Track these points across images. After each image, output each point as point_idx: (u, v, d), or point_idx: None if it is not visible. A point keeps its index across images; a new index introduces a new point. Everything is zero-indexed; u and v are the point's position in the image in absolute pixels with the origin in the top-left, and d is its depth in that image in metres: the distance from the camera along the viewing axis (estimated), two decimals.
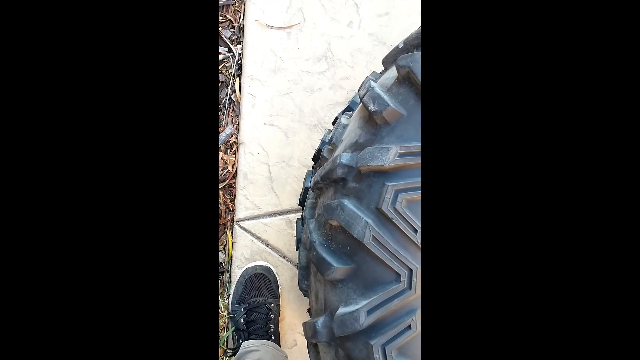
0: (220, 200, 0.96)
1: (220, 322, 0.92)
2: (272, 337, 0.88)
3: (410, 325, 0.42)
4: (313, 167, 0.78)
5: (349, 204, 0.43)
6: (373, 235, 0.41)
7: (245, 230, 0.95)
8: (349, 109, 0.76)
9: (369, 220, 0.42)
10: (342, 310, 0.43)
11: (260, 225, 0.95)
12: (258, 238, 0.95)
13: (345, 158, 0.45)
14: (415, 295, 0.42)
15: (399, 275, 0.42)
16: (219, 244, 0.96)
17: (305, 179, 0.75)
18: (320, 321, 0.45)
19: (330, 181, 0.47)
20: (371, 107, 0.44)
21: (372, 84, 0.47)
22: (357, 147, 0.46)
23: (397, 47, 0.51)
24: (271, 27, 0.98)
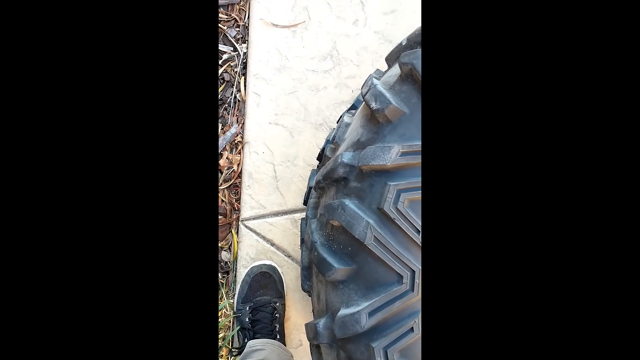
0: (225, 200, 0.96)
1: (226, 321, 0.92)
2: (277, 337, 0.88)
3: (412, 327, 0.41)
4: (318, 166, 0.77)
5: (350, 203, 0.43)
6: (374, 236, 0.41)
7: (251, 229, 0.95)
8: (354, 107, 0.75)
9: (371, 221, 0.41)
10: (343, 311, 0.42)
11: (266, 225, 0.95)
12: (263, 237, 0.95)
13: (347, 157, 0.44)
14: (417, 297, 0.41)
15: (401, 276, 0.41)
16: (225, 243, 0.96)
17: (309, 179, 0.74)
18: (321, 323, 0.45)
19: (332, 180, 0.46)
20: (373, 105, 0.43)
21: (375, 81, 0.46)
22: (359, 145, 0.45)
23: (400, 44, 0.50)
24: (276, 25, 0.98)
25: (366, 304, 0.41)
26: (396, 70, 0.48)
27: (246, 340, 0.86)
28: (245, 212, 0.95)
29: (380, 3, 0.99)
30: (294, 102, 0.97)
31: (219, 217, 0.96)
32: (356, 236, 0.41)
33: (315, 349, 0.51)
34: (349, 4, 0.99)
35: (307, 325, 0.48)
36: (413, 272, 0.41)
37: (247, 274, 0.91)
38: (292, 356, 0.87)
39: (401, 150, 0.41)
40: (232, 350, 0.91)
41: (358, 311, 0.41)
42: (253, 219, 0.95)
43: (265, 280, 0.90)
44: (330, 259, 0.43)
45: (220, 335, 0.92)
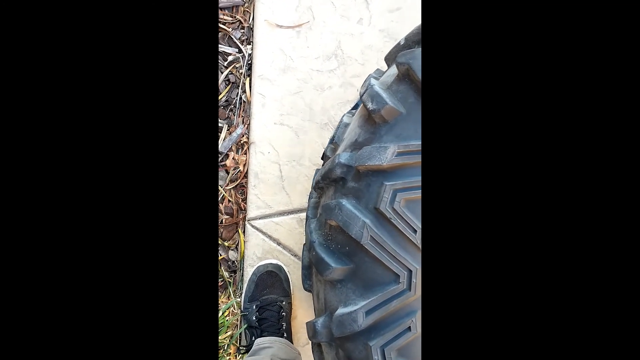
0: (232, 200, 0.98)
1: (234, 319, 0.94)
2: (284, 335, 0.89)
3: (410, 326, 0.41)
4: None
5: (347, 203, 0.43)
6: (371, 236, 0.41)
7: (257, 229, 0.96)
8: (357, 107, 0.76)
9: (367, 221, 0.41)
10: (340, 310, 0.42)
11: (272, 224, 0.96)
12: (269, 237, 0.96)
13: (344, 157, 0.45)
14: (415, 297, 0.41)
15: (397, 276, 0.41)
16: (232, 242, 0.98)
17: (314, 178, 0.75)
18: (319, 321, 0.45)
19: (330, 181, 0.47)
20: (370, 105, 0.44)
21: (372, 82, 0.47)
22: (356, 146, 0.46)
23: (399, 43, 0.50)
24: (280, 26, 0.98)
25: (363, 303, 0.41)
26: (394, 70, 0.48)
27: (253, 339, 0.88)
28: (251, 212, 0.96)
29: (385, 1, 0.99)
30: (299, 102, 0.98)
31: (226, 216, 0.97)
32: (353, 236, 0.41)
33: (317, 347, 0.52)
34: (353, 2, 0.99)
35: (307, 324, 0.48)
36: (410, 271, 0.41)
37: (253, 273, 0.92)
38: (299, 354, 0.88)
39: (397, 150, 0.41)
40: (240, 348, 0.92)
41: (355, 310, 0.41)
42: (259, 218, 0.96)
43: (272, 279, 0.91)
44: (327, 259, 0.43)
45: (228, 334, 0.94)
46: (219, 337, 0.92)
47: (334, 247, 0.45)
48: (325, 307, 0.46)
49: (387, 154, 0.41)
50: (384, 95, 0.43)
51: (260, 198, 0.96)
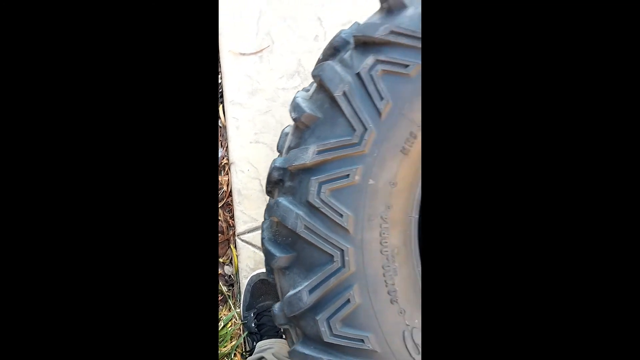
0: (221, 218, 1.05)
1: (236, 328, 1.00)
2: (283, 337, 0.95)
3: (349, 299, 0.47)
4: None
5: (283, 200, 0.50)
6: (305, 225, 0.48)
7: (247, 242, 1.03)
8: None
9: (300, 212, 0.48)
10: (289, 293, 0.49)
11: (259, 236, 1.03)
12: (259, 248, 1.03)
13: (279, 162, 0.52)
14: (349, 272, 0.47)
15: (332, 256, 0.47)
16: (226, 258, 1.05)
17: None
18: (277, 306, 0.52)
19: (273, 183, 0.54)
20: (292, 114, 0.51)
21: (297, 94, 0.54)
22: (289, 151, 0.53)
23: (319, 58, 0.58)
24: (244, 54, 1.07)
25: (306, 283, 0.47)
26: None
27: (255, 344, 0.94)
28: (239, 227, 1.04)
29: (337, 16, 1.07)
30: (270, 120, 1.06)
31: (218, 235, 1.05)
32: (289, 227, 0.48)
33: (287, 333, 0.58)
34: (307, 22, 1.08)
35: (271, 311, 0.55)
36: (342, 250, 0.47)
37: (248, 283, 0.99)
38: None
39: (316, 150, 0.48)
40: (244, 354, 0.98)
41: (300, 290, 0.47)
42: (248, 232, 1.03)
43: (265, 287, 0.98)
44: (273, 250, 0.50)
45: (233, 343, 1.00)
46: (225, 347, 0.98)
47: (280, 240, 0.51)
48: (282, 293, 0.52)
49: (308, 154, 0.48)
50: (303, 104, 0.50)
51: (246, 213, 1.04)
